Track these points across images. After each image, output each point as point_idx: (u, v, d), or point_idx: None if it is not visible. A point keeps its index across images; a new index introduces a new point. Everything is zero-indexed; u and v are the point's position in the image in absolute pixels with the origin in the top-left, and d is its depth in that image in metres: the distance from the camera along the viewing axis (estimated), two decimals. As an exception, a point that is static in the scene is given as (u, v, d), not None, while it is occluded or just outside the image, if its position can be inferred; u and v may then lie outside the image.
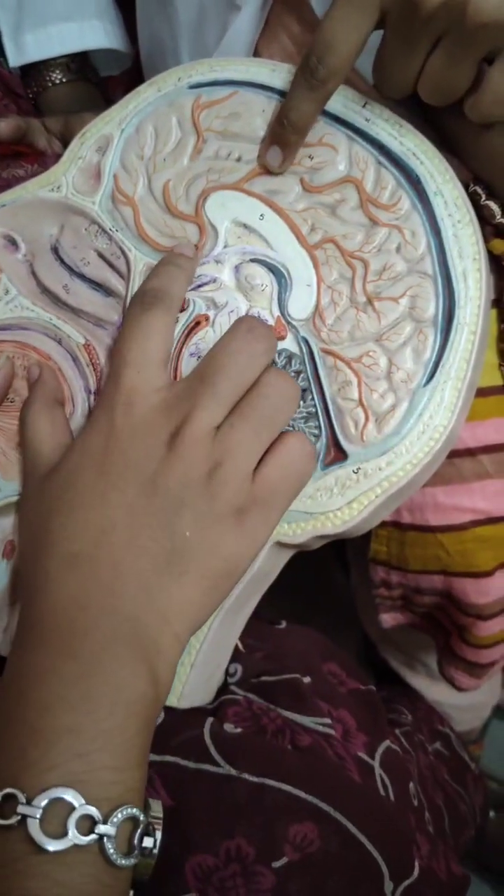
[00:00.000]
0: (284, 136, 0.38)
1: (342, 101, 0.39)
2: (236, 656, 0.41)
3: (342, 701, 0.41)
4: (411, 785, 0.42)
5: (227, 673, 0.41)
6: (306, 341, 0.38)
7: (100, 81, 0.62)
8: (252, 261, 0.39)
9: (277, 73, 0.39)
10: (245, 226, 0.39)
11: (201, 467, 0.32)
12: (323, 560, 0.64)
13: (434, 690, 0.59)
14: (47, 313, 0.41)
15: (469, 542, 0.43)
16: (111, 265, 0.40)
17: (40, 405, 0.38)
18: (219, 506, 0.32)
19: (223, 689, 0.40)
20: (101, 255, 0.41)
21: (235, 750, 0.37)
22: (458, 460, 0.42)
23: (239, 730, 0.38)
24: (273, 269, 0.39)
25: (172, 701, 0.38)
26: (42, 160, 0.57)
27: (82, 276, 0.41)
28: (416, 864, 0.37)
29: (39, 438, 0.37)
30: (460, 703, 0.60)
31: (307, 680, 0.41)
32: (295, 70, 0.38)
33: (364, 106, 0.38)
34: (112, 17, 0.59)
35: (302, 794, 0.35)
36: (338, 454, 0.37)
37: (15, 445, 0.40)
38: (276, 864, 0.34)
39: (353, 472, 0.37)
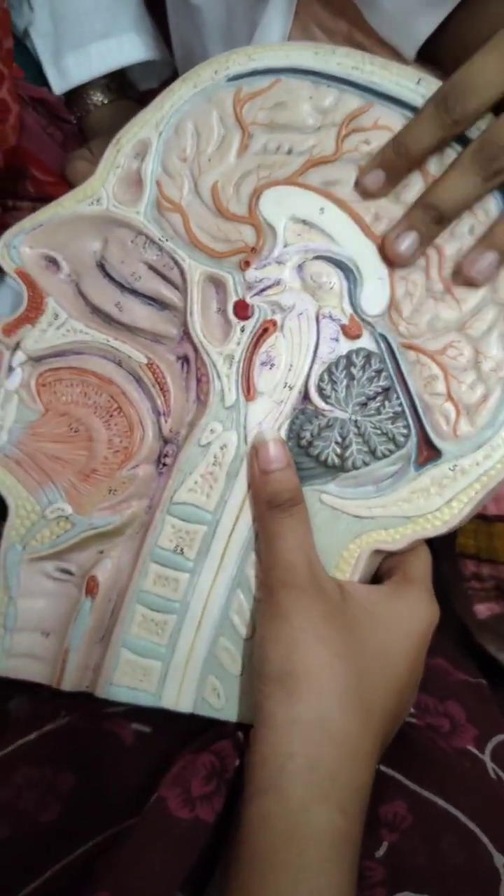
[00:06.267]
0: (397, 164, 0.35)
1: (394, 80, 0.36)
2: None
3: (451, 692, 0.40)
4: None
5: None
6: (384, 337, 0.36)
7: (140, 97, 0.60)
8: (316, 258, 0.37)
9: (322, 56, 0.37)
10: (305, 222, 0.37)
11: None
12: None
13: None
14: (102, 334, 0.39)
15: None
16: (164, 277, 0.38)
17: (283, 514, 0.35)
18: None
19: None
20: (152, 268, 0.38)
21: None
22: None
23: None
24: (340, 265, 0.37)
25: None
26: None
27: (134, 292, 0.39)
28: None
29: (289, 549, 0.34)
30: None
31: None
32: (430, 99, 0.34)
33: (418, 83, 0.36)
34: (147, 27, 0.57)
35: (390, 772, 0.35)
36: (431, 453, 0.36)
37: (84, 477, 0.38)
38: (379, 854, 0.33)
39: (450, 469, 0.35)
